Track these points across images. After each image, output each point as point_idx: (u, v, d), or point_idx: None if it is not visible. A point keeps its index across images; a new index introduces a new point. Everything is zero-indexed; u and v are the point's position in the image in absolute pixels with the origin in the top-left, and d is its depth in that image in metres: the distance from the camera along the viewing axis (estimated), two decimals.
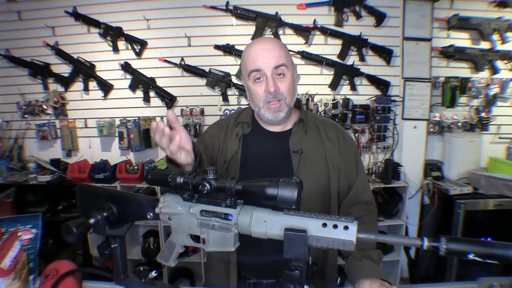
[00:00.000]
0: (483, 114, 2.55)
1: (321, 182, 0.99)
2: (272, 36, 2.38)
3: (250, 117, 1.07)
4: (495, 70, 2.51)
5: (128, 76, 2.51)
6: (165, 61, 2.44)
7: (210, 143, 1.07)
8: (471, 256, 0.53)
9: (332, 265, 1.07)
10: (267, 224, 0.63)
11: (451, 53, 2.45)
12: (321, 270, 1.05)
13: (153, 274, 2.38)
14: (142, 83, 2.49)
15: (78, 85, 2.57)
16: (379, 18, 2.42)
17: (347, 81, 2.48)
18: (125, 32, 2.45)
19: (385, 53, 2.46)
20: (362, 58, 2.45)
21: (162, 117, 2.55)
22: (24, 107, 2.59)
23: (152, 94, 2.53)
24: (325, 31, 2.41)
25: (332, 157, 1.01)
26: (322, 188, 1.00)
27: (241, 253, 0.90)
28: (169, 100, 2.49)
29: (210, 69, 2.44)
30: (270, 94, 0.93)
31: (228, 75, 2.43)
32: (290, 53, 2.62)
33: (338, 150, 1.02)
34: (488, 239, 0.53)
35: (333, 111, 2.48)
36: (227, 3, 2.36)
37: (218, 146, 1.06)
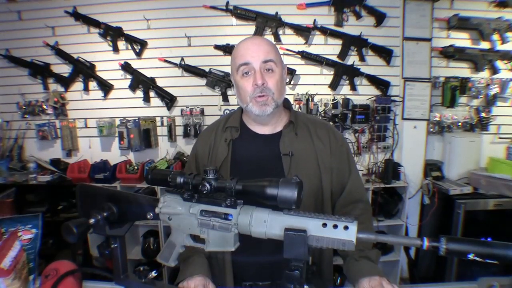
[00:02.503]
0: (483, 114, 2.54)
1: (313, 183, 0.99)
2: (272, 36, 2.39)
3: (238, 121, 1.05)
4: (495, 70, 2.51)
5: (128, 76, 2.51)
6: (165, 61, 2.44)
7: (200, 152, 1.07)
8: (471, 256, 0.53)
9: (328, 263, 1.08)
10: (267, 224, 0.63)
11: (451, 53, 2.45)
12: (317, 269, 1.05)
13: (153, 274, 2.38)
14: (142, 83, 2.49)
15: (78, 85, 2.57)
16: (379, 18, 2.42)
17: (347, 81, 2.48)
18: (125, 32, 2.45)
19: (385, 53, 2.46)
20: (362, 58, 2.45)
21: (162, 117, 2.55)
22: (24, 107, 2.59)
23: (152, 94, 2.53)
24: (325, 31, 2.41)
25: (324, 157, 1.01)
26: (315, 189, 1.00)
27: (236, 255, 0.90)
28: (169, 100, 2.49)
29: (210, 69, 2.44)
30: (257, 87, 0.93)
31: (228, 75, 2.43)
32: (290, 53, 2.62)
33: (330, 149, 1.02)
34: (488, 239, 0.53)
35: (333, 111, 2.48)
36: (227, 3, 2.36)
37: (208, 152, 1.05)
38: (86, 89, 2.54)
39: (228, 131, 1.05)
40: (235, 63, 0.97)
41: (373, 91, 2.52)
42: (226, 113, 2.51)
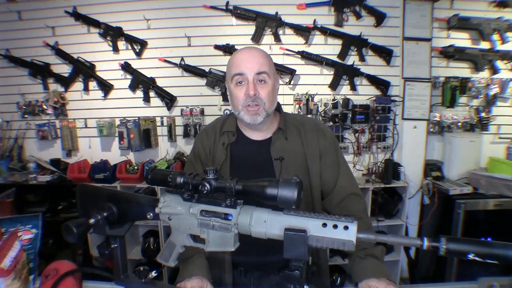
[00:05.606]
0: (483, 114, 2.54)
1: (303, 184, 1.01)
2: (272, 36, 2.39)
3: (234, 126, 1.09)
4: (495, 70, 2.51)
5: (128, 76, 2.51)
6: (165, 61, 2.44)
7: (203, 152, 1.10)
8: (471, 256, 0.53)
9: (324, 262, 1.10)
10: (267, 224, 0.63)
11: (451, 53, 2.45)
12: (317, 269, 1.07)
13: (153, 274, 2.38)
14: (142, 83, 2.49)
15: (78, 85, 2.57)
16: (379, 18, 2.42)
17: (347, 81, 2.48)
18: (125, 32, 2.45)
19: (385, 53, 2.45)
20: (362, 58, 2.45)
21: (162, 117, 2.55)
22: (24, 107, 2.59)
23: (152, 94, 2.53)
24: (325, 31, 2.41)
25: (313, 159, 1.05)
26: (304, 190, 1.01)
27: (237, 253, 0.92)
28: (169, 100, 2.49)
29: (210, 69, 2.44)
30: (249, 97, 0.97)
31: None
32: (290, 53, 2.63)
33: (319, 150, 1.06)
34: (488, 239, 0.53)
35: (333, 111, 2.48)
36: (227, 3, 2.36)
37: (209, 154, 1.09)
38: (86, 89, 2.54)
39: (225, 135, 1.09)
40: (230, 72, 1.01)
41: (373, 91, 2.52)
42: (226, 113, 2.51)
